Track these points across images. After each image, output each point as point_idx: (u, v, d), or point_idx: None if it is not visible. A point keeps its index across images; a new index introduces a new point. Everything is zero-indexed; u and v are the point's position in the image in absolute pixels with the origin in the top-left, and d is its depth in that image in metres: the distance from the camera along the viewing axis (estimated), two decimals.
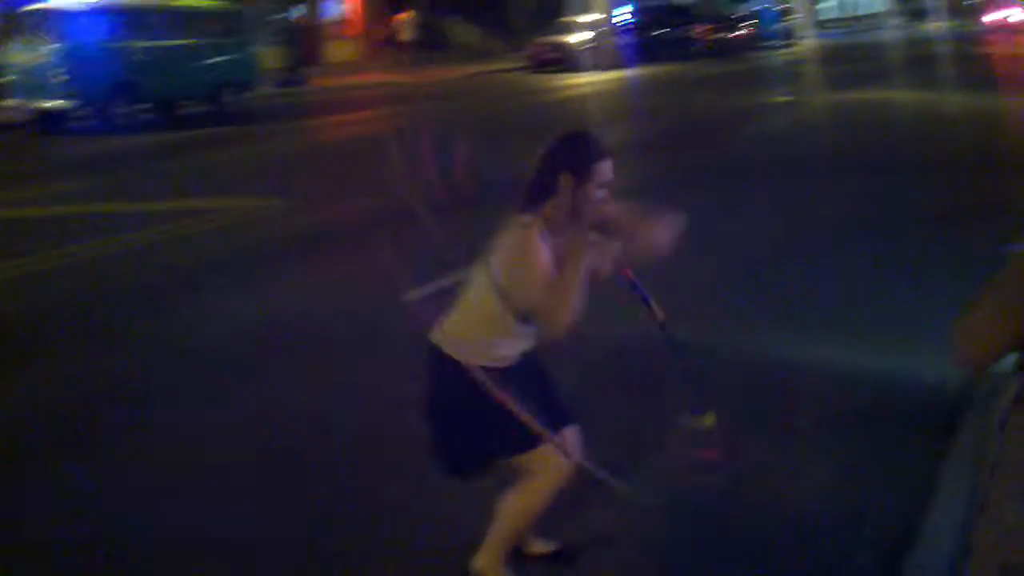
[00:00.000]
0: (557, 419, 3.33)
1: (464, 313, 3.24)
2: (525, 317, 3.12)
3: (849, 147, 13.92)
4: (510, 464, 3.28)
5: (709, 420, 3.44)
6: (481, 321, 3.19)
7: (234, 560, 3.81)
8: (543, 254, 3.03)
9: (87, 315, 7.06)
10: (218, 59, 20.28)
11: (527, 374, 3.28)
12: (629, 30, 34.82)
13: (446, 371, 3.18)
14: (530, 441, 3.18)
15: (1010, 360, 1.99)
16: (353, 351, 6.14)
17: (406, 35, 33.56)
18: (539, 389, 3.33)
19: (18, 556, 3.90)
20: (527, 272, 3.03)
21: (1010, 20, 48.58)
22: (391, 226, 9.24)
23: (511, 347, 3.22)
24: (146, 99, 19.27)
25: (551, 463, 3.25)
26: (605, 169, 3.08)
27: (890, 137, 15.04)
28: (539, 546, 3.65)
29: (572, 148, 3.13)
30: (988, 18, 52.60)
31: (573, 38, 31.43)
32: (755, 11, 46.11)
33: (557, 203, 3.07)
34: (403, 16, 33.53)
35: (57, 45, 17.78)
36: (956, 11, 75.70)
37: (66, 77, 17.47)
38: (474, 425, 3.22)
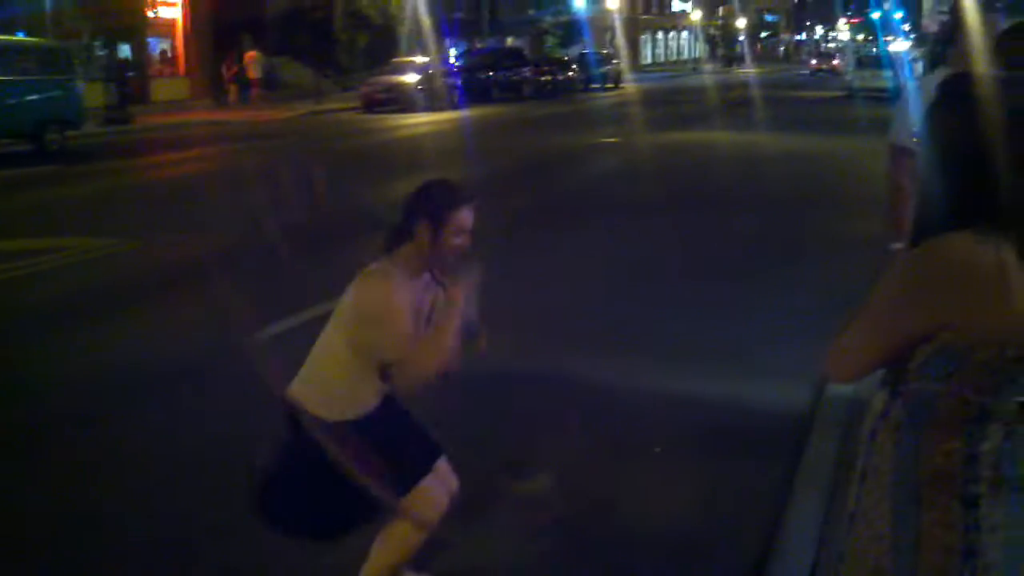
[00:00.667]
0: (428, 454, 3.40)
1: (317, 366, 3.27)
2: (383, 369, 3.15)
3: (675, 186, 14.55)
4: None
5: (539, 483, 3.54)
6: (337, 373, 3.21)
7: None
8: (404, 303, 3.09)
9: None
10: (40, 96, 19.46)
11: (388, 414, 3.31)
12: (462, 71, 35.26)
13: (303, 426, 3.18)
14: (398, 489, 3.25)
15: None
16: (192, 391, 6.05)
17: (255, 72, 33.76)
18: (402, 427, 3.38)
19: None
20: (389, 326, 3.07)
21: (836, 63, 55.46)
22: (229, 265, 9.23)
23: (371, 393, 3.25)
24: None
25: (423, 508, 3.32)
26: (463, 216, 3.15)
27: (712, 175, 15.80)
28: None
29: (429, 196, 3.19)
30: (814, 62, 60.31)
31: (405, 79, 31.54)
32: (581, 54, 47.50)
33: (415, 249, 3.15)
34: (253, 54, 33.70)
35: None
36: (766, 58, 79.68)
37: None
38: (327, 485, 3.16)
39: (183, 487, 4.71)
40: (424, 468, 3.36)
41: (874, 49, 52.46)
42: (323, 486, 3.16)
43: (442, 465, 3.47)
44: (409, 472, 3.30)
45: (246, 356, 6.45)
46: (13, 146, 19.55)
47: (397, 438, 3.30)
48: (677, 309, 7.62)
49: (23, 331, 7.36)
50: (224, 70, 33.73)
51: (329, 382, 3.22)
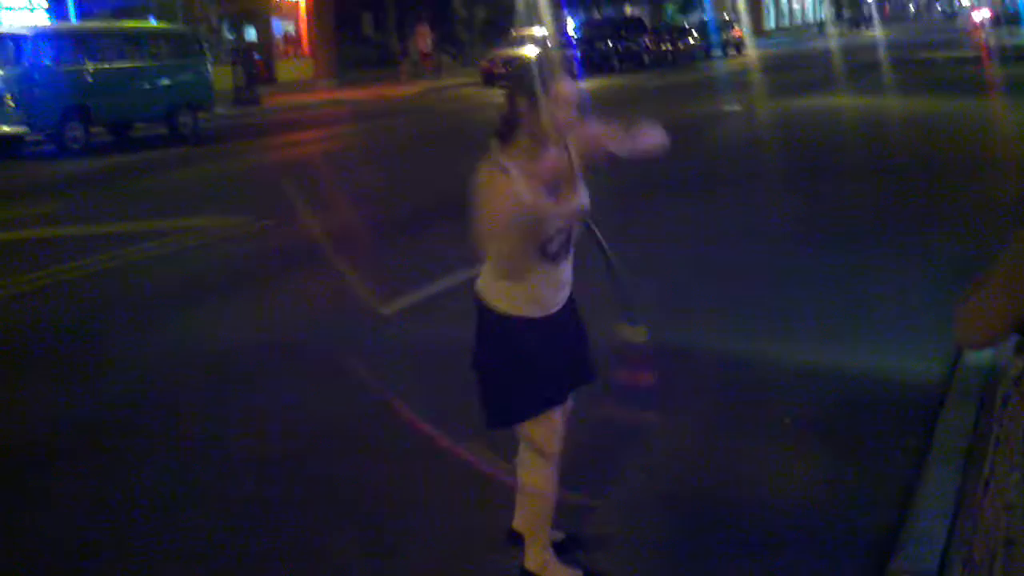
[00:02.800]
0: (554, 394, 3.43)
1: (487, 266, 3.37)
2: (546, 251, 3.21)
3: (799, 153, 14.25)
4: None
5: (642, 333, 3.59)
6: (493, 268, 3.31)
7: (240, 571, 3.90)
8: (502, 189, 3.09)
9: (73, 336, 7.07)
10: (172, 80, 20.15)
11: (555, 333, 3.36)
12: (580, 42, 35.07)
13: (479, 316, 3.35)
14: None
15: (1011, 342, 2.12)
16: (338, 362, 6.22)
17: (426, 47, 35.21)
18: (560, 352, 3.41)
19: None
20: (486, 206, 3.13)
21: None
22: (363, 241, 9.44)
23: (534, 293, 3.28)
24: (100, 122, 19.11)
25: (542, 438, 3.40)
26: (561, 87, 3.12)
27: (837, 142, 15.41)
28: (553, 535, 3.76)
29: (524, 76, 3.18)
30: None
31: (524, 52, 31.51)
32: (701, 21, 46.74)
33: (527, 132, 3.16)
34: (424, 29, 35.23)
35: (6, 70, 17.61)
36: (895, 18, 76.76)
37: (16, 103, 17.30)
38: (500, 372, 3.36)
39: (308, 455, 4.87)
40: (550, 401, 3.41)
41: (1012, 6, 50.12)
42: (507, 373, 3.34)
43: (568, 404, 3.53)
44: (532, 401, 3.37)
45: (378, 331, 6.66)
46: (148, 130, 20.30)
47: (541, 360, 3.35)
48: (806, 277, 7.49)
49: (163, 308, 7.67)
50: (414, 44, 35.36)
51: (490, 272, 3.33)
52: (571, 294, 3.43)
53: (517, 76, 3.24)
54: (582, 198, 3.24)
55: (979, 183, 10.90)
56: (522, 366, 3.33)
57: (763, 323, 6.51)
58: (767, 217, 9.94)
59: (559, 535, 3.73)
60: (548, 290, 3.30)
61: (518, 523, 3.64)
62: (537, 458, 3.44)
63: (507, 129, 3.20)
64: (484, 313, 3.34)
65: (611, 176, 3.45)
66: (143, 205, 12.33)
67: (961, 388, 5.02)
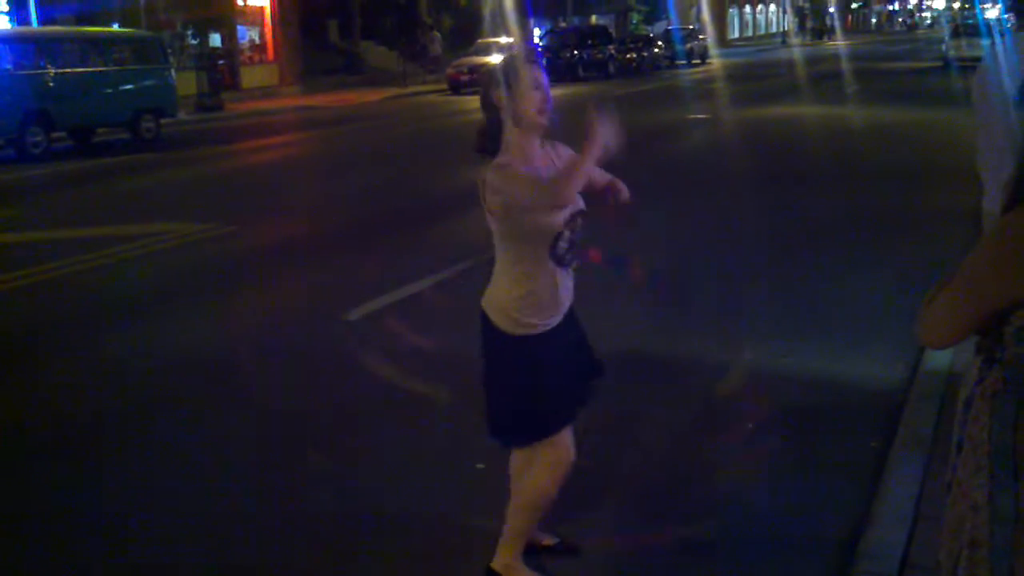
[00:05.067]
0: (571, 407, 3.46)
1: (497, 276, 3.36)
2: (556, 251, 3.23)
3: (764, 160, 14.37)
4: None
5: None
6: (508, 275, 3.29)
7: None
8: (527, 170, 3.18)
9: (39, 340, 6.98)
10: (135, 86, 19.97)
11: (563, 339, 3.37)
12: (546, 51, 35.16)
13: (488, 335, 3.35)
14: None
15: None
16: (298, 368, 6.20)
17: (436, 49, 36.76)
18: (571, 359, 3.43)
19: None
20: (520, 183, 3.15)
21: None
22: (325, 248, 9.41)
23: (542, 298, 3.28)
24: (61, 127, 18.88)
25: (549, 455, 3.40)
26: (527, 71, 3.20)
27: (801, 149, 15.57)
28: (545, 539, 3.79)
29: (490, 72, 3.28)
30: None
31: (490, 59, 31.55)
32: (667, 31, 47.03)
33: (511, 127, 3.21)
34: (434, 33, 37.41)
35: None
36: (857, 30, 77.55)
37: None
38: (507, 389, 3.37)
39: (278, 464, 4.84)
40: (563, 422, 3.43)
41: (971, 18, 50.81)
42: (511, 389, 3.36)
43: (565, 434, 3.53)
44: (543, 423, 3.39)
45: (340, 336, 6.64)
46: (110, 135, 20.12)
47: (553, 379, 3.36)
48: (768, 281, 7.55)
49: (121, 315, 7.59)
50: (430, 48, 36.79)
51: (504, 287, 3.32)
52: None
53: (485, 75, 3.30)
54: (578, 201, 3.30)
55: (942, 190, 11.05)
56: (541, 387, 3.34)
57: (726, 327, 6.55)
58: (727, 223, 10.01)
59: (551, 539, 3.78)
60: (557, 294, 3.31)
61: (496, 563, 3.58)
62: (542, 471, 3.44)
63: (489, 140, 3.24)
64: (494, 333, 3.33)
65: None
66: (105, 211, 12.20)
67: (921, 391, 5.07)
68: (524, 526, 3.53)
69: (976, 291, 2.00)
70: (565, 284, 3.34)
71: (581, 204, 3.32)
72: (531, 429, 3.39)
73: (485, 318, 3.34)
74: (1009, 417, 1.98)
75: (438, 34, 38.39)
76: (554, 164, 3.32)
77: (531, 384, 3.33)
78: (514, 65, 3.21)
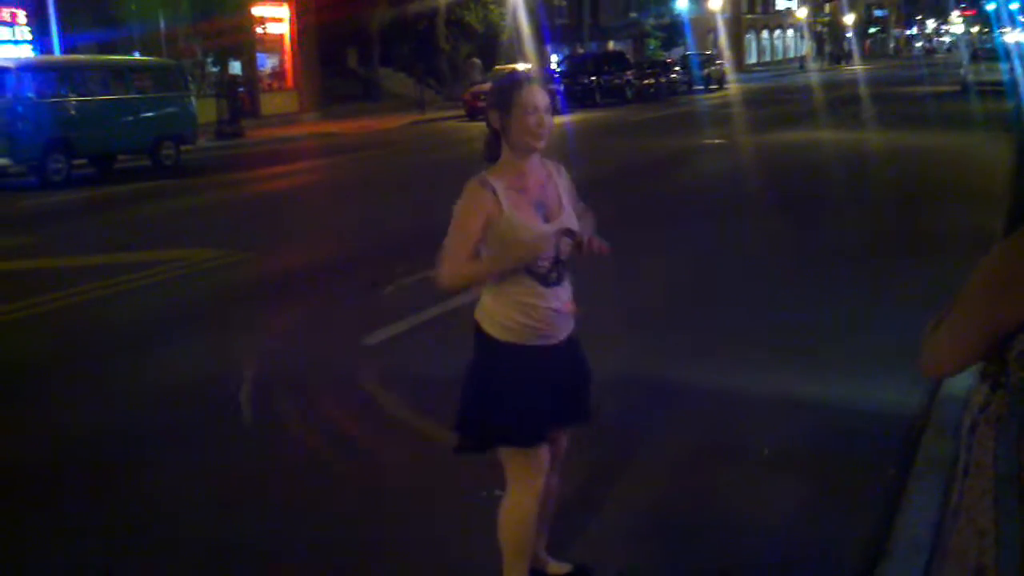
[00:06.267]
0: (540, 428, 3.37)
1: (487, 286, 3.38)
2: (539, 275, 3.23)
3: (782, 186, 14.36)
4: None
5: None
6: (494, 287, 3.31)
7: None
8: (477, 207, 3.22)
9: (50, 369, 7.02)
10: (156, 113, 20.17)
11: (550, 367, 3.33)
12: (564, 77, 35.31)
13: (475, 339, 3.37)
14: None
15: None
16: (316, 395, 6.21)
17: (476, 76, 37.23)
18: (548, 390, 3.35)
19: None
20: (453, 219, 3.26)
21: None
22: (341, 274, 9.45)
23: (528, 317, 3.26)
24: (82, 154, 19.07)
25: (520, 469, 3.38)
26: (526, 94, 3.21)
27: (820, 175, 15.55)
28: (555, 568, 3.75)
29: (493, 91, 3.35)
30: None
31: None
32: (684, 56, 47.16)
33: (506, 147, 3.26)
34: (475, 61, 39.00)
35: None
36: (875, 55, 77.49)
37: None
38: (482, 394, 3.36)
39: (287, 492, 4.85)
40: (532, 439, 3.36)
41: (989, 42, 50.69)
42: (493, 397, 3.33)
43: (561, 438, 3.54)
44: (516, 434, 3.35)
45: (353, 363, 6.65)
46: (131, 161, 20.30)
47: (527, 392, 3.32)
48: (783, 306, 7.53)
49: (140, 340, 7.61)
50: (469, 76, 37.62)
51: (486, 299, 3.37)
52: (575, 335, 3.42)
53: (490, 93, 3.36)
54: (568, 220, 3.30)
55: (957, 214, 11.01)
56: (503, 393, 3.30)
57: (741, 352, 6.53)
58: (741, 247, 10.00)
59: (565, 567, 3.74)
60: (544, 314, 3.27)
61: None
62: (516, 487, 3.41)
63: (491, 149, 3.31)
64: (478, 336, 3.36)
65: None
66: (124, 237, 12.29)
67: (939, 418, 5.04)
68: (512, 550, 3.45)
69: (977, 316, 1.99)
70: (553, 299, 3.27)
71: (570, 223, 3.31)
72: (492, 433, 3.36)
73: (477, 326, 3.37)
74: (1014, 442, 1.98)
75: (478, 61, 39.05)
76: (551, 182, 3.35)
77: (493, 387, 3.32)
78: (509, 88, 3.24)
